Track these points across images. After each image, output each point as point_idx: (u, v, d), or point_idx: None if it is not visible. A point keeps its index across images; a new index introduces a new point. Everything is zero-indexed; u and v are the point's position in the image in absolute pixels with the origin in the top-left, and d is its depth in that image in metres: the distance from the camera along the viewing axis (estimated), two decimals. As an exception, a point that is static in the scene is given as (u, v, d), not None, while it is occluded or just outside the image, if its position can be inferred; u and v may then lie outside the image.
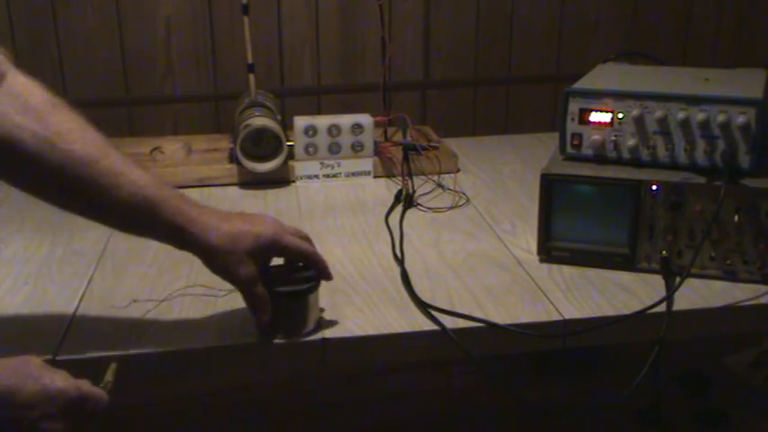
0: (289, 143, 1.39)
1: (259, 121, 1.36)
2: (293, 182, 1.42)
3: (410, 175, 1.37)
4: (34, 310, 0.98)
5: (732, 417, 1.68)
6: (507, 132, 1.82)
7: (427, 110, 1.83)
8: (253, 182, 1.40)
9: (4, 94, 0.82)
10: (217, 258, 0.87)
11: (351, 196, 1.37)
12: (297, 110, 1.57)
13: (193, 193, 1.07)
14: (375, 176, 1.45)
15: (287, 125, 1.44)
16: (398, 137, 1.49)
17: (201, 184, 1.38)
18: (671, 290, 0.98)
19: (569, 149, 1.12)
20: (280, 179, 1.41)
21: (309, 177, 1.42)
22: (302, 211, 1.30)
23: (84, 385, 0.76)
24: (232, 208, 1.19)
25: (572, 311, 0.96)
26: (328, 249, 1.14)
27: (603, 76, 1.22)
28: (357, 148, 1.43)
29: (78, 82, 1.67)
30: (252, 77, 1.44)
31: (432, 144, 1.48)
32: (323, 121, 1.42)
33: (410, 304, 0.98)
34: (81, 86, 1.67)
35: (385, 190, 1.39)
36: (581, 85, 1.14)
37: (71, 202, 0.86)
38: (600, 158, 1.10)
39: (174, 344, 0.89)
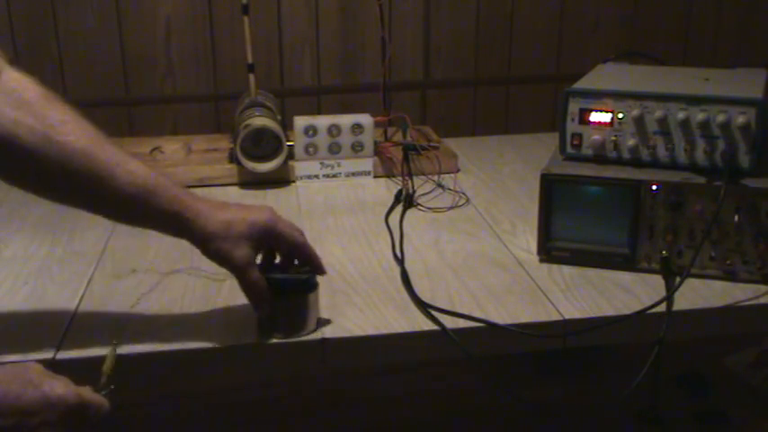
0: (289, 143, 1.39)
1: (259, 121, 1.36)
2: (293, 182, 1.42)
3: (410, 175, 1.37)
4: (34, 310, 0.98)
5: (732, 417, 1.68)
6: (507, 132, 1.82)
7: (427, 110, 1.83)
8: (253, 182, 1.40)
9: None
10: (212, 243, 0.87)
11: (351, 196, 1.37)
12: (297, 110, 1.57)
13: (193, 193, 1.07)
14: (375, 176, 1.45)
15: (287, 125, 1.44)
16: (398, 137, 1.49)
17: (201, 184, 1.38)
18: (671, 290, 0.98)
19: (569, 149, 1.12)
20: (280, 179, 1.41)
21: (309, 177, 1.42)
22: (302, 211, 1.30)
23: (85, 392, 0.76)
24: (232, 208, 1.18)
25: (572, 311, 0.96)
26: (328, 249, 1.14)
27: (603, 76, 1.22)
28: (357, 148, 1.43)
29: (78, 82, 1.67)
30: (252, 77, 1.44)
31: (432, 144, 1.48)
32: (323, 121, 1.42)
33: (410, 304, 0.98)
34: (81, 86, 1.67)
35: (385, 190, 1.39)
36: (581, 85, 1.14)
37: (69, 195, 0.85)
38: (600, 158, 1.10)
39: (174, 344, 0.89)
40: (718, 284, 1.03)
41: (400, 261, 1.09)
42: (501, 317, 0.95)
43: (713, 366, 1.81)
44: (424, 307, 0.96)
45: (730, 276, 1.03)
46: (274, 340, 0.90)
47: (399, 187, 1.35)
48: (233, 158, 1.40)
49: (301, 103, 1.74)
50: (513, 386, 0.92)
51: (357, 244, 1.17)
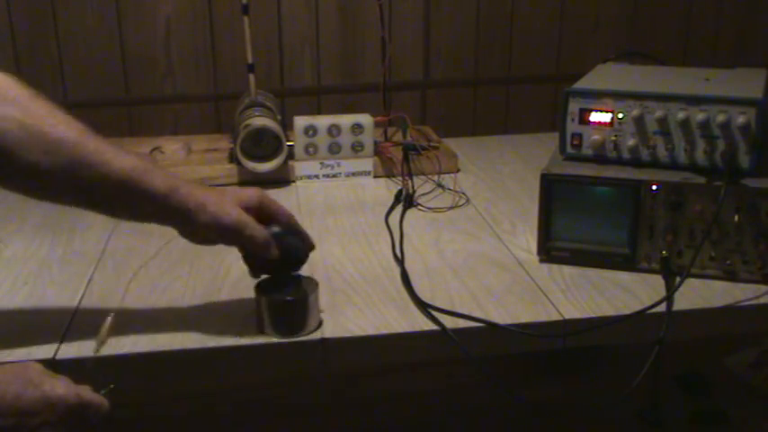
0: (289, 143, 1.39)
1: (259, 121, 1.36)
2: (293, 182, 1.42)
3: (410, 175, 1.37)
4: (34, 310, 0.98)
5: (732, 417, 1.68)
6: (507, 132, 1.82)
7: (427, 110, 1.83)
8: (253, 182, 1.39)
9: None
10: (206, 209, 0.87)
11: (351, 196, 1.37)
12: (297, 110, 1.57)
13: (193, 193, 1.07)
14: (375, 176, 1.45)
15: (287, 125, 1.44)
16: (398, 137, 1.49)
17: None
18: (671, 290, 0.98)
19: (569, 149, 1.12)
20: (280, 179, 1.41)
21: (309, 177, 1.43)
22: (302, 211, 1.30)
23: (85, 392, 0.76)
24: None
25: (572, 311, 0.96)
26: (328, 249, 1.14)
27: (603, 76, 1.22)
28: (357, 148, 1.43)
29: (78, 82, 1.67)
30: (252, 77, 1.44)
31: (432, 144, 1.48)
32: (323, 121, 1.42)
33: (410, 304, 0.98)
34: (81, 86, 1.67)
35: (385, 190, 1.39)
36: (581, 85, 1.14)
37: (62, 187, 0.84)
38: (600, 158, 1.10)
39: (175, 344, 0.89)
40: (718, 284, 1.03)
41: (400, 261, 1.09)
42: (501, 317, 0.95)
43: (713, 366, 1.81)
44: (424, 307, 0.96)
45: (730, 276, 1.03)
46: (274, 340, 0.90)
47: (399, 187, 1.35)
48: (233, 158, 1.40)
49: (301, 103, 1.74)
50: (513, 386, 0.92)
51: (357, 244, 1.17)
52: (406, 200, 1.30)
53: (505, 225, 1.23)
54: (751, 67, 1.25)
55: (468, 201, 1.33)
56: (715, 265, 1.03)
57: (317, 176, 1.43)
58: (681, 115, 1.04)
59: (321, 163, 1.42)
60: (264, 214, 0.92)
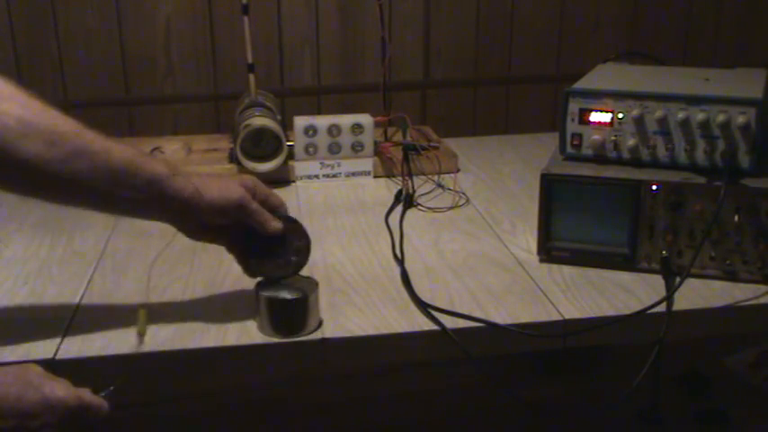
0: (289, 143, 1.39)
1: (259, 121, 1.36)
2: (293, 182, 1.42)
3: (410, 175, 1.37)
4: (34, 310, 0.98)
5: (732, 417, 1.68)
6: (507, 132, 1.82)
7: (427, 110, 1.83)
8: (253, 182, 1.40)
9: None
10: (210, 186, 0.89)
11: (351, 196, 1.37)
12: (297, 110, 1.57)
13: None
14: (375, 176, 1.45)
15: (287, 125, 1.44)
16: (398, 137, 1.49)
17: (201, 184, 1.37)
18: (671, 290, 0.98)
19: (569, 149, 1.12)
20: (280, 179, 1.41)
21: (309, 177, 1.43)
22: (302, 211, 1.30)
23: (85, 394, 0.76)
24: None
25: (572, 311, 0.96)
26: (328, 249, 1.14)
27: (603, 76, 1.22)
28: (357, 148, 1.43)
29: (78, 82, 1.67)
30: (252, 77, 1.44)
31: (432, 144, 1.48)
32: (323, 121, 1.42)
33: (410, 304, 0.98)
34: (81, 86, 1.67)
35: (385, 190, 1.39)
36: (581, 85, 1.14)
37: (64, 179, 0.83)
38: (600, 158, 1.10)
39: (175, 344, 0.89)
40: (718, 284, 1.03)
41: (400, 261, 1.09)
42: (501, 317, 0.95)
43: (713, 366, 1.81)
44: (424, 307, 0.96)
45: (730, 276, 1.03)
46: (274, 340, 0.90)
47: (399, 187, 1.35)
48: (233, 158, 1.40)
49: (301, 103, 1.74)
50: (513, 386, 0.92)
51: (357, 244, 1.17)
52: (406, 200, 1.30)
53: (505, 225, 1.23)
54: (751, 67, 1.25)
55: (468, 201, 1.33)
56: (715, 265, 1.03)
57: (317, 176, 1.43)
58: (681, 115, 1.04)
59: (321, 163, 1.42)
60: (258, 199, 0.93)
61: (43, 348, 0.87)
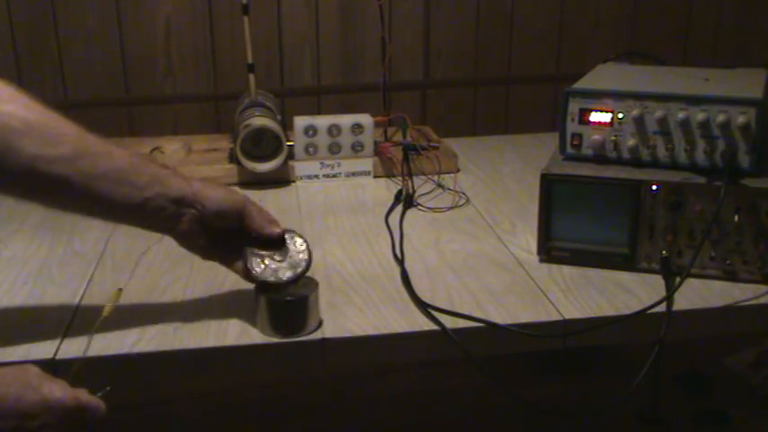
0: (289, 143, 1.39)
1: (259, 121, 1.36)
2: (293, 182, 1.42)
3: (410, 175, 1.37)
4: (34, 310, 0.98)
5: (732, 417, 1.68)
6: (507, 132, 1.82)
7: (427, 110, 1.83)
8: (253, 182, 1.40)
9: None
10: (213, 190, 0.90)
11: (351, 196, 1.37)
12: (297, 110, 1.56)
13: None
14: (375, 176, 1.45)
15: (287, 125, 1.44)
16: (398, 137, 1.49)
17: (201, 184, 1.37)
18: (671, 290, 0.98)
19: (569, 149, 1.12)
20: (280, 179, 1.41)
21: (309, 177, 1.43)
22: (302, 211, 1.30)
23: (82, 395, 0.76)
24: (232, 208, 1.18)
25: (572, 311, 0.96)
26: (328, 249, 1.14)
27: (603, 76, 1.22)
28: (357, 148, 1.43)
29: (78, 82, 1.67)
30: (252, 77, 1.44)
31: (432, 144, 1.48)
32: (323, 121, 1.42)
33: (410, 304, 0.98)
34: (81, 86, 1.67)
35: (385, 190, 1.39)
36: (581, 85, 1.14)
37: (65, 180, 0.82)
38: (600, 158, 1.10)
39: (175, 344, 0.89)
40: (718, 284, 1.02)
41: (400, 261, 1.09)
42: (501, 317, 0.95)
43: (713, 366, 1.81)
44: (424, 307, 0.96)
45: (730, 276, 1.03)
46: (274, 340, 0.90)
47: (399, 187, 1.35)
48: (233, 158, 1.40)
49: (301, 103, 1.74)
50: (513, 386, 0.92)
51: (357, 244, 1.17)
52: (406, 200, 1.30)
53: (505, 225, 1.23)
54: (751, 67, 1.25)
55: (468, 201, 1.33)
56: (715, 265, 1.03)
57: (316, 176, 1.43)
58: (681, 115, 1.04)
59: (321, 163, 1.42)
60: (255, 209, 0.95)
61: (43, 348, 0.87)
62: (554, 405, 0.97)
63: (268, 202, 1.34)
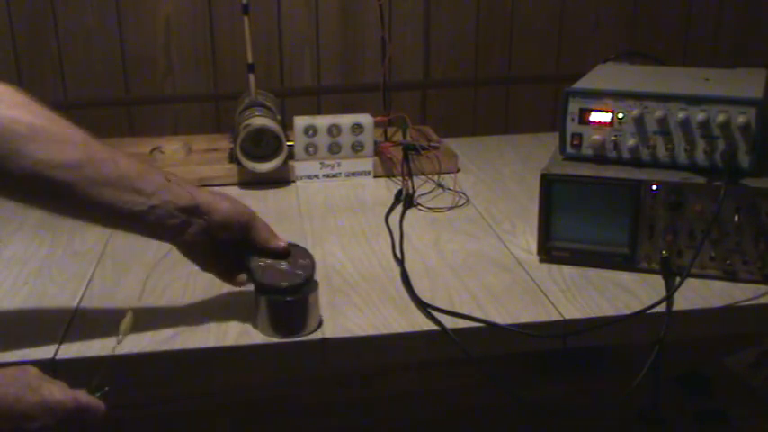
0: (289, 143, 1.39)
1: (259, 121, 1.36)
2: (293, 182, 1.42)
3: (410, 175, 1.37)
4: (34, 310, 0.98)
5: (732, 417, 1.68)
6: (507, 132, 1.82)
7: (427, 110, 1.83)
8: (253, 182, 1.40)
9: None
10: (221, 200, 0.90)
11: (351, 196, 1.37)
12: (297, 110, 1.57)
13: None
14: (375, 176, 1.45)
15: (287, 125, 1.44)
16: (398, 137, 1.49)
17: (201, 184, 1.36)
18: (671, 290, 0.98)
19: (569, 149, 1.12)
20: (280, 179, 1.41)
21: (309, 177, 1.43)
22: (302, 211, 1.30)
23: (82, 396, 0.76)
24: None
25: (572, 311, 0.96)
26: (328, 249, 1.14)
27: (603, 76, 1.22)
28: (357, 148, 1.43)
29: (78, 82, 1.67)
30: (252, 77, 1.44)
31: (432, 144, 1.48)
32: (323, 121, 1.42)
33: (410, 304, 0.98)
34: (81, 86, 1.67)
35: (385, 190, 1.39)
36: (581, 85, 1.14)
37: (70, 186, 0.82)
38: (600, 158, 1.10)
39: (175, 344, 0.89)
40: (718, 284, 1.03)
41: (400, 261, 1.09)
42: (501, 317, 0.95)
43: (713, 366, 1.81)
44: (423, 307, 0.96)
45: (730, 276, 1.03)
46: (274, 340, 0.90)
47: (399, 187, 1.35)
48: (233, 158, 1.40)
49: (301, 103, 1.74)
50: (513, 386, 0.92)
51: (357, 244, 1.17)
52: (406, 200, 1.30)
53: (505, 225, 1.23)
54: (751, 67, 1.25)
55: (468, 201, 1.33)
56: (715, 265, 1.03)
57: (316, 176, 1.43)
58: (681, 115, 1.04)
59: (321, 163, 1.42)
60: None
61: (43, 348, 0.87)
62: (554, 405, 0.97)
63: (268, 202, 1.34)
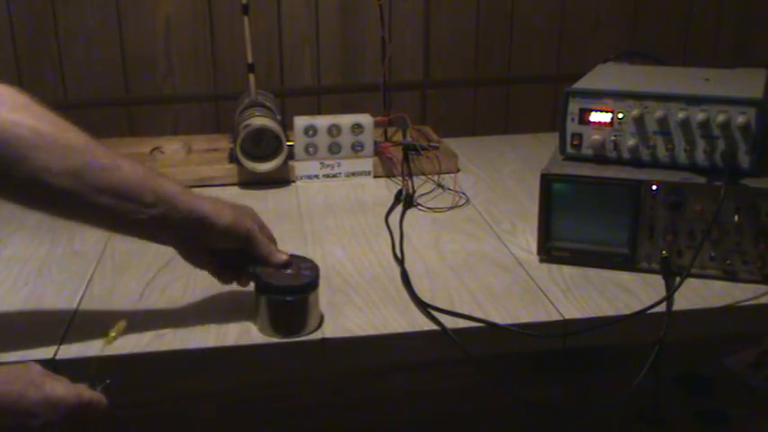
0: (289, 143, 1.39)
1: (259, 121, 1.36)
2: (293, 182, 1.42)
3: (410, 175, 1.37)
4: (34, 310, 0.98)
5: (732, 417, 1.68)
6: (507, 132, 1.82)
7: (427, 110, 1.83)
8: (253, 182, 1.40)
9: None
10: (225, 211, 0.89)
11: (351, 196, 1.37)
12: (297, 110, 1.57)
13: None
14: (375, 176, 1.45)
15: (287, 125, 1.44)
16: (398, 137, 1.49)
17: (201, 184, 1.37)
18: (671, 290, 0.98)
19: (569, 149, 1.12)
20: (280, 179, 1.41)
21: (309, 177, 1.43)
22: (302, 211, 1.30)
23: (84, 391, 0.76)
24: (232, 208, 1.18)
25: (572, 311, 0.96)
26: (328, 249, 1.14)
27: (603, 76, 1.22)
28: (357, 148, 1.43)
29: (78, 82, 1.67)
30: (252, 77, 1.44)
31: (432, 144, 1.48)
32: (323, 121, 1.42)
33: (410, 304, 0.98)
34: (81, 86, 1.67)
35: (385, 190, 1.39)
36: (581, 85, 1.14)
37: (72, 192, 0.82)
38: (600, 158, 1.10)
39: (175, 344, 0.89)
40: (718, 284, 1.03)
41: (400, 261, 1.09)
42: (501, 317, 0.95)
43: (713, 366, 1.81)
44: (423, 307, 0.96)
45: (730, 276, 1.03)
46: (274, 340, 0.90)
47: (399, 187, 1.35)
48: (233, 158, 1.40)
49: (301, 103, 1.74)
50: (512, 386, 0.92)
51: (357, 244, 1.17)
52: (406, 200, 1.30)
53: (505, 225, 1.23)
54: (751, 67, 1.25)
55: (468, 201, 1.33)
56: (715, 265, 1.03)
57: (316, 176, 1.43)
58: (681, 115, 1.04)
59: (321, 163, 1.42)
60: (258, 227, 0.95)
61: (43, 348, 0.87)
62: (554, 405, 0.98)
63: (268, 202, 1.34)
